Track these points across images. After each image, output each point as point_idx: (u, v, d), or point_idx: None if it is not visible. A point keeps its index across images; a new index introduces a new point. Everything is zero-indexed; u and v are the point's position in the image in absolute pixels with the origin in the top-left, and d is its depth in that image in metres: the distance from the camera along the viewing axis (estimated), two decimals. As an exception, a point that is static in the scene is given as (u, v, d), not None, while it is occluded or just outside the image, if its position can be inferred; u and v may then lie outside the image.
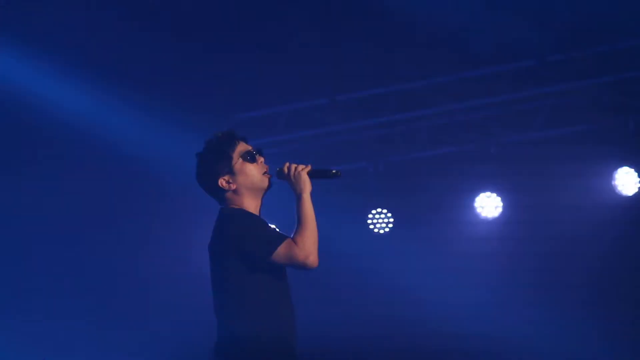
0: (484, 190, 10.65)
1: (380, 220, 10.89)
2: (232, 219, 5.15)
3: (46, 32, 9.48)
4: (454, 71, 10.02)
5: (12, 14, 9.40)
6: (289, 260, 5.01)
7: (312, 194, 5.05)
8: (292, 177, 5.16)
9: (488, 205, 10.62)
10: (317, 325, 10.00)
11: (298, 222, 5.08)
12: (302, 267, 5.03)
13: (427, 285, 10.73)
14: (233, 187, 5.21)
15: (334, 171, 5.26)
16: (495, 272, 10.81)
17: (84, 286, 10.60)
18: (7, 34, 9.45)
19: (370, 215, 10.90)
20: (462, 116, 10.33)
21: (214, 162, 5.25)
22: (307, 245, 5.00)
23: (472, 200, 10.69)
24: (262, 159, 5.28)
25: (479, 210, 10.67)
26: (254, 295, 5.08)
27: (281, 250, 4.99)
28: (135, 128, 10.25)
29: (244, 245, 5.07)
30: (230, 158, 5.23)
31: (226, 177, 5.22)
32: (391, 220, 10.87)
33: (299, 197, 5.13)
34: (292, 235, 5.05)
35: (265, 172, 5.24)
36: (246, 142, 5.32)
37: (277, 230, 5.21)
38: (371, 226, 10.90)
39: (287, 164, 5.21)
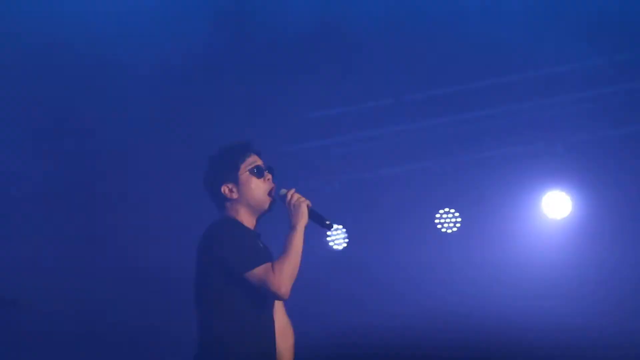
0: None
1: (448, 220, 10.85)
2: (222, 226, 5.14)
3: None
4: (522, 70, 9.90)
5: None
6: (262, 284, 4.98)
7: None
8: (291, 205, 5.16)
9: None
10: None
11: (283, 250, 5.05)
12: (273, 295, 5.04)
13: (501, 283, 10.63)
14: (234, 196, 5.22)
15: (327, 222, 5.23)
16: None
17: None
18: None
19: (437, 215, 10.86)
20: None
21: (222, 168, 5.28)
22: (284, 276, 4.97)
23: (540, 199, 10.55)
24: (269, 177, 5.29)
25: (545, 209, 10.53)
26: (229, 304, 5.06)
27: (257, 272, 4.98)
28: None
29: (225, 254, 5.05)
30: (238, 167, 5.25)
31: (230, 185, 5.24)
32: (459, 219, 10.84)
33: (292, 227, 5.11)
34: (273, 262, 5.05)
35: (270, 191, 5.27)
36: (259, 156, 5.34)
37: (265, 250, 5.22)
38: (439, 225, 10.86)
39: (293, 191, 5.22)
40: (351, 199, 10.88)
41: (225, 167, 5.27)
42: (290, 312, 10.15)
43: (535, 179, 10.53)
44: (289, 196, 5.20)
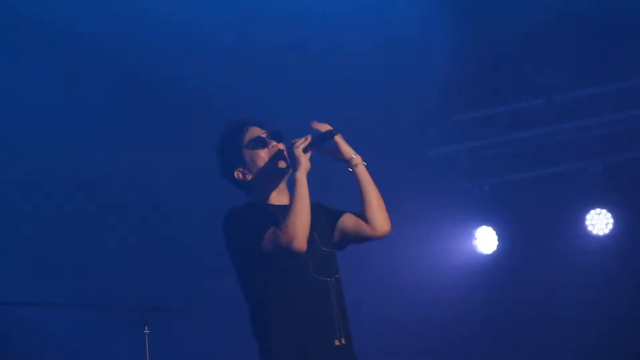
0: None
1: (599, 221, 10.72)
2: (225, 222, 4.88)
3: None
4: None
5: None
6: (274, 246, 4.70)
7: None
8: (289, 156, 4.92)
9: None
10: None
11: (290, 204, 4.79)
12: (287, 252, 4.70)
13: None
14: (249, 177, 4.98)
15: (329, 133, 4.93)
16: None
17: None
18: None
19: (589, 216, 10.73)
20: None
21: (226, 155, 5.05)
22: (291, 229, 4.68)
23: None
24: (274, 142, 5.00)
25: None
26: (268, 296, 4.78)
27: (266, 238, 4.71)
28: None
29: (235, 241, 4.84)
30: (240, 148, 5.01)
31: (240, 169, 5.01)
32: (611, 220, 10.68)
33: (294, 177, 4.85)
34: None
35: (278, 156, 4.97)
36: (262, 126, 5.08)
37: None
38: (590, 227, 10.73)
39: (292, 141, 4.93)
40: (501, 201, 10.83)
41: (229, 153, 5.04)
42: (437, 316, 10.37)
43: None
44: (290, 150, 4.92)
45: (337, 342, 4.80)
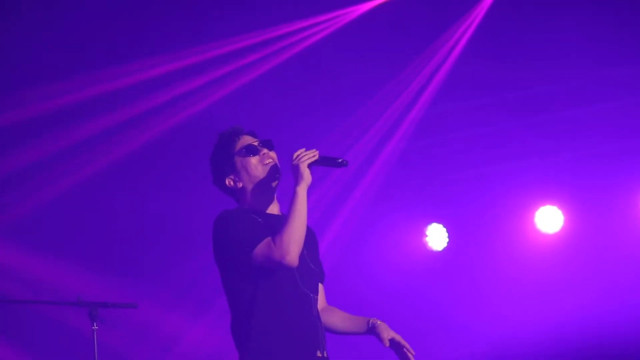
0: None
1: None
2: (217, 225, 4.84)
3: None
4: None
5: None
6: (266, 259, 4.68)
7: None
8: (292, 168, 4.83)
9: None
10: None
11: (285, 218, 4.75)
12: (279, 266, 4.68)
13: None
14: (239, 185, 4.96)
15: (340, 160, 4.87)
16: None
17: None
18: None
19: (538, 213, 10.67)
20: None
21: (219, 162, 5.02)
22: (285, 243, 4.64)
23: None
24: (265, 150, 4.98)
25: None
26: (255, 304, 4.75)
27: (258, 251, 4.68)
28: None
29: (225, 248, 4.80)
30: (231, 156, 4.98)
31: (231, 176, 4.97)
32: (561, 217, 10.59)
33: (294, 191, 4.79)
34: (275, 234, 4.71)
35: (268, 163, 4.96)
36: (254, 135, 5.08)
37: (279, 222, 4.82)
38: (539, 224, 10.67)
39: (297, 152, 4.86)
40: (451, 198, 10.87)
41: (221, 161, 5.01)
42: (387, 313, 10.38)
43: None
44: (293, 158, 4.85)
45: (319, 354, 4.83)
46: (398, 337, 5.03)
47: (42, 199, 9.68)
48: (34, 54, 9.18)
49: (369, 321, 5.09)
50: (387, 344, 5.03)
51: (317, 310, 4.93)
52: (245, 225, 4.78)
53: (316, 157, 4.83)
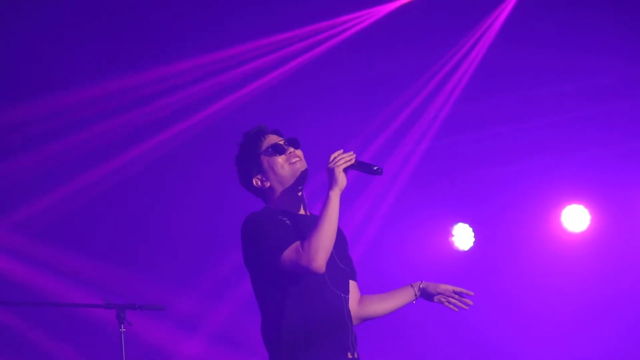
0: None
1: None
2: (244, 229, 4.81)
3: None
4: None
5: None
6: (294, 266, 4.64)
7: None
8: (327, 171, 4.76)
9: None
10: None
11: (315, 222, 4.68)
12: (306, 271, 4.63)
13: None
14: (267, 184, 4.93)
15: (375, 168, 4.77)
16: None
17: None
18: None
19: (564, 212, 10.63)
20: None
21: (245, 163, 4.99)
22: (313, 250, 4.58)
23: None
24: (291, 149, 4.96)
25: None
26: (285, 306, 4.71)
27: (286, 256, 4.65)
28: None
29: (254, 253, 4.77)
30: (258, 155, 4.95)
31: (258, 176, 4.94)
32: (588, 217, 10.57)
33: (327, 195, 4.72)
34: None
35: (294, 161, 4.93)
36: (279, 134, 5.05)
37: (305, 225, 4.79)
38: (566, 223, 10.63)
39: (334, 154, 4.77)
40: (477, 197, 10.85)
41: (248, 160, 4.98)
42: (412, 313, 10.38)
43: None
44: (330, 160, 4.76)
45: (349, 355, 4.80)
46: (448, 286, 5.10)
47: (71, 202, 9.73)
48: (57, 54, 9.26)
49: (413, 286, 5.16)
50: (442, 300, 5.11)
51: (349, 310, 4.89)
52: (273, 228, 4.73)
53: (352, 162, 4.75)
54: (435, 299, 5.14)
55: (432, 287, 5.16)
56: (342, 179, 4.71)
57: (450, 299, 5.13)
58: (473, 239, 10.81)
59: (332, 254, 4.77)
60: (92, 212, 9.88)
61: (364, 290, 5.24)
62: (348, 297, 4.91)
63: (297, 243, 4.65)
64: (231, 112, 9.89)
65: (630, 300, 10.28)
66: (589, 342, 10.32)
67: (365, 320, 5.17)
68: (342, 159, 4.73)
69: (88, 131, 9.64)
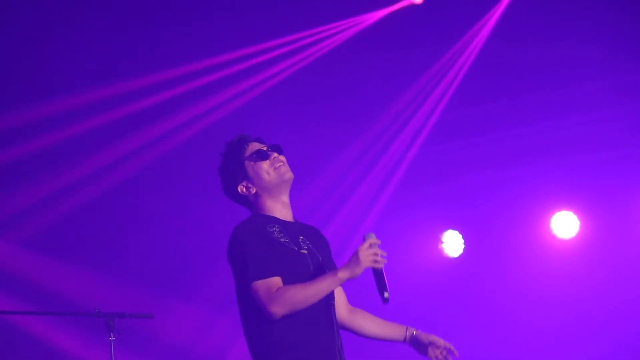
0: None
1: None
2: (230, 242, 4.83)
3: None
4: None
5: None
6: (258, 300, 4.67)
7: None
8: (357, 253, 4.68)
9: None
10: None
11: (309, 282, 4.69)
12: (264, 313, 4.67)
13: None
14: (253, 191, 4.96)
15: (385, 294, 4.73)
16: None
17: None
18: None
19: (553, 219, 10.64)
20: None
21: (229, 171, 5.02)
22: (285, 302, 4.64)
23: None
24: (275, 154, 5.00)
25: None
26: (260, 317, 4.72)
27: (258, 286, 4.68)
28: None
29: (236, 270, 4.78)
30: (242, 162, 4.99)
31: (244, 183, 4.97)
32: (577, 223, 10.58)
33: (336, 270, 4.70)
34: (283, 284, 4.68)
35: (279, 166, 4.96)
36: (261, 141, 5.07)
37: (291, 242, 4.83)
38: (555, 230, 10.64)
39: (371, 241, 4.72)
40: (467, 204, 10.86)
41: (232, 168, 5.01)
42: (402, 319, 10.35)
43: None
44: (365, 243, 4.71)
45: None
46: (440, 340, 5.11)
47: (59, 210, 9.72)
48: (64, 56, 9.28)
49: (407, 330, 5.15)
50: (432, 355, 5.10)
51: (335, 315, 4.90)
52: (255, 249, 4.75)
53: (380, 266, 4.71)
54: (430, 351, 5.13)
55: (424, 336, 5.15)
56: (359, 272, 4.68)
57: (439, 354, 5.12)
58: (463, 246, 10.82)
59: (318, 259, 4.83)
60: (82, 218, 9.86)
61: (352, 298, 5.24)
62: (334, 303, 4.91)
63: (276, 280, 4.69)
64: (225, 117, 9.90)
65: (620, 305, 10.29)
66: (579, 348, 10.33)
67: (349, 330, 5.17)
68: (374, 257, 4.69)
69: (78, 135, 9.62)
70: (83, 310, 7.03)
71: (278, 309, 4.64)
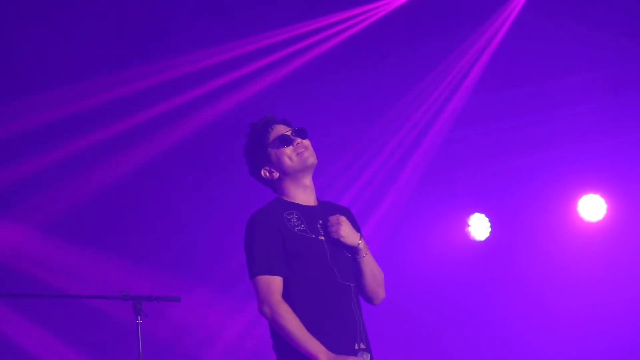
0: None
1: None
2: (247, 228, 4.88)
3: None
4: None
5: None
6: (257, 293, 4.74)
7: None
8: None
9: None
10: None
11: (306, 333, 4.68)
12: (258, 307, 4.75)
13: None
14: (275, 175, 4.96)
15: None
16: None
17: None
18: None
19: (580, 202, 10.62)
20: None
21: (253, 154, 5.01)
22: (277, 315, 4.68)
23: None
24: (298, 140, 4.96)
25: None
26: (292, 298, 4.75)
27: (259, 282, 4.74)
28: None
29: (246, 256, 4.82)
30: (265, 147, 4.97)
31: (267, 168, 4.96)
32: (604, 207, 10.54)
33: (320, 352, 4.67)
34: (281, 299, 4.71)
35: (302, 152, 4.93)
36: (287, 124, 5.05)
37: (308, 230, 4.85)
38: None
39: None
40: (494, 189, 10.83)
41: (256, 152, 5.00)
42: (429, 303, 10.40)
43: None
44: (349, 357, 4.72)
45: (356, 346, 4.80)
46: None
47: (87, 195, 9.77)
48: (69, 50, 9.31)
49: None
50: None
51: (358, 299, 4.91)
52: (263, 245, 4.78)
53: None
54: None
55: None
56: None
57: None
58: (489, 229, 10.79)
59: (338, 244, 4.85)
60: (108, 205, 9.92)
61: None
62: (355, 286, 4.91)
63: (276, 280, 4.73)
64: (245, 103, 9.91)
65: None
66: (606, 331, 10.30)
67: (372, 294, 5.09)
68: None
69: (103, 125, 9.67)
70: (110, 294, 7.01)
71: (267, 313, 4.69)
